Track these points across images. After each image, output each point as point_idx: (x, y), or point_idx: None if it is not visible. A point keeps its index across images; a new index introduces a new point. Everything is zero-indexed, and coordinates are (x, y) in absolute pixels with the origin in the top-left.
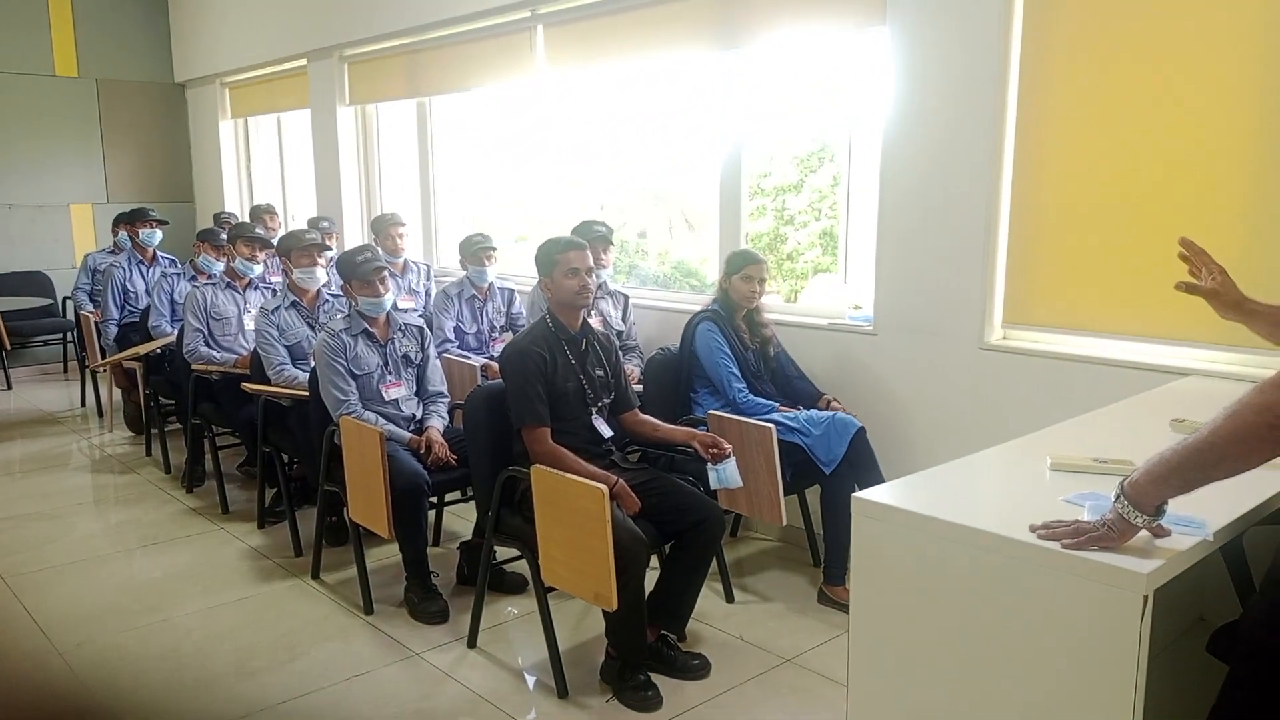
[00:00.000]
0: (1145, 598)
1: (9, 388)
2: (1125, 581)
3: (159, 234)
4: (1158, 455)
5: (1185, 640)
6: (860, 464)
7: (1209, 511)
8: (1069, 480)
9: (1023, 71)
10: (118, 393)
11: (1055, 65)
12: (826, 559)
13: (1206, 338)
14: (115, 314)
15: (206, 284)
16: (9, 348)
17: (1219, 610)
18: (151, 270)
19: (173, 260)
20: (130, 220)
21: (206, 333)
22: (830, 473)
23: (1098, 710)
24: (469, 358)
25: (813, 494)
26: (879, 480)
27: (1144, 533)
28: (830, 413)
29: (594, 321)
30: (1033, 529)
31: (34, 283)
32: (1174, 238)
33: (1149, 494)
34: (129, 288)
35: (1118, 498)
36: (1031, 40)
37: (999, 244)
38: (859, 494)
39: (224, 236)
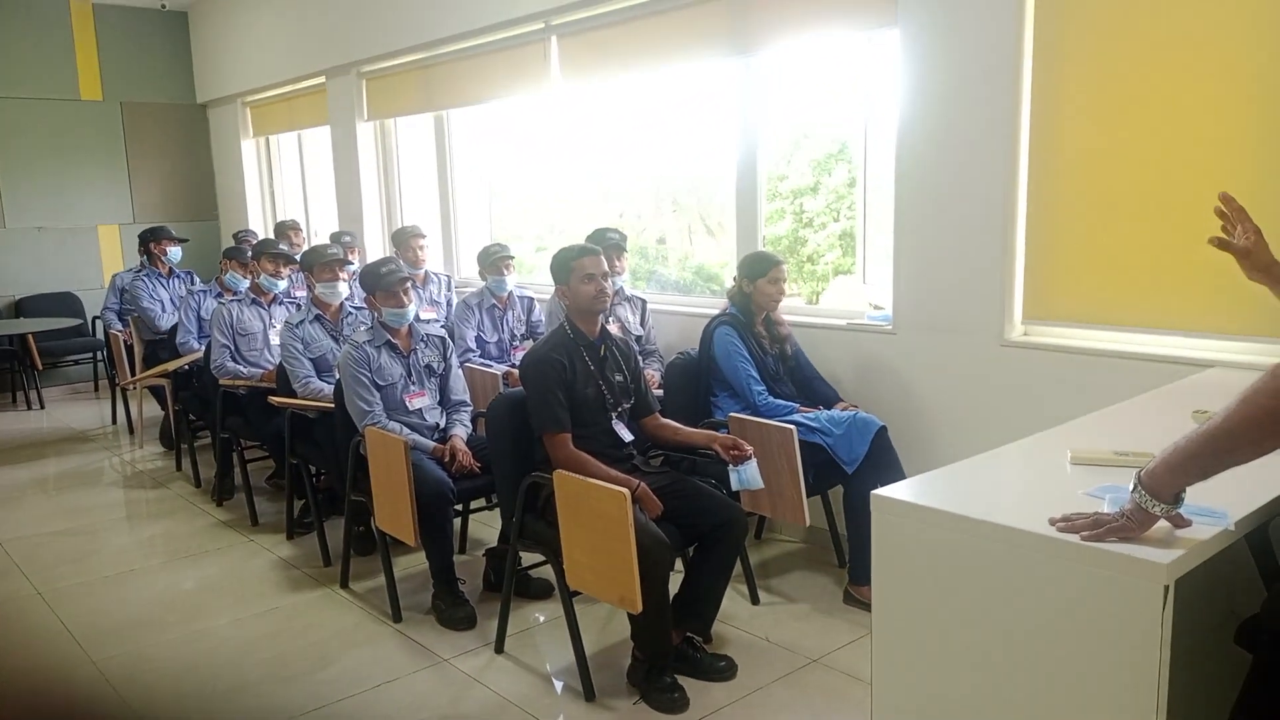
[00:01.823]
0: (1166, 588)
1: (41, 407)
2: (1146, 572)
3: (178, 250)
4: (1173, 444)
5: (1216, 634)
6: (882, 463)
7: (1231, 502)
8: (1090, 474)
9: (1036, 66)
10: (148, 410)
11: (1069, 59)
12: (851, 559)
13: (1229, 329)
14: (160, 314)
15: (232, 300)
16: (41, 368)
17: (1250, 604)
18: (171, 282)
19: (190, 275)
20: (151, 239)
21: (233, 348)
22: (852, 472)
23: (1122, 703)
24: (490, 366)
25: (835, 495)
26: (901, 479)
27: (1164, 523)
28: (851, 412)
29: (613, 327)
30: (1052, 522)
31: (64, 303)
32: (1192, 230)
33: (1166, 483)
34: (156, 297)
35: (1135, 488)
36: (1044, 35)
37: (1017, 240)
38: (878, 491)
39: (250, 254)
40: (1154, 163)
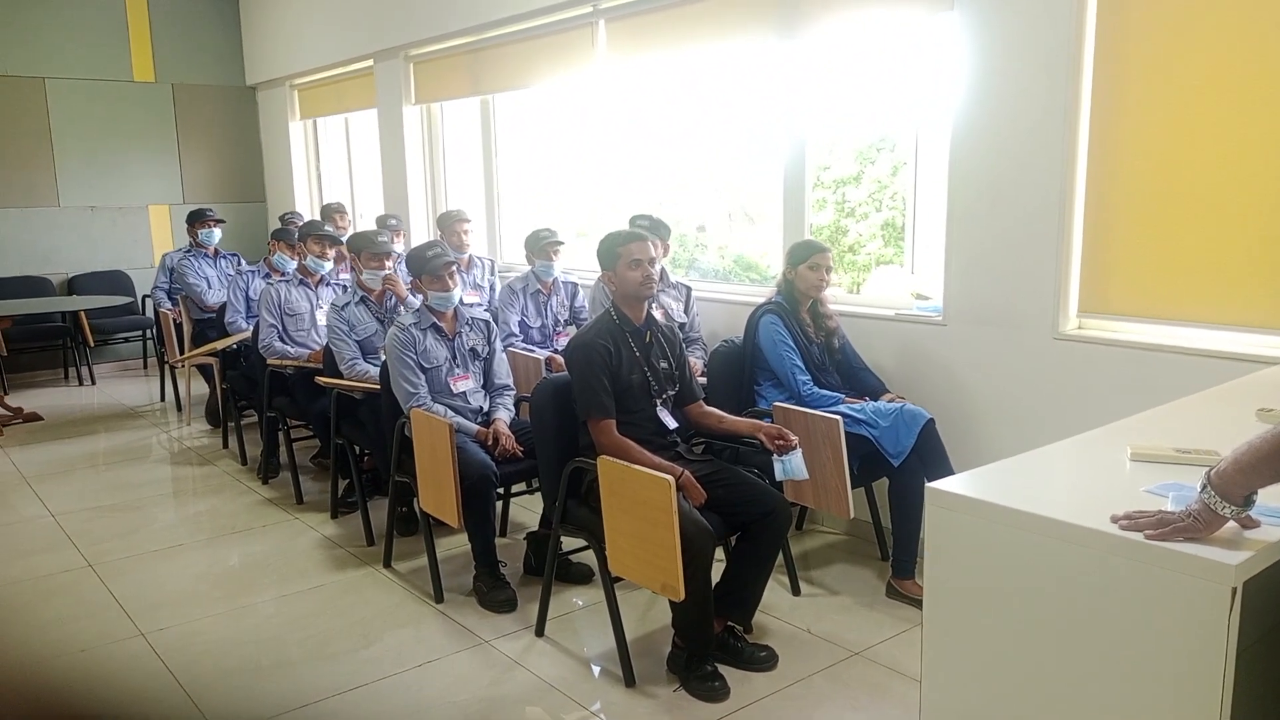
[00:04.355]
0: (1234, 590)
1: (93, 383)
2: (1213, 573)
3: (217, 232)
4: (1246, 444)
5: (1274, 636)
6: (929, 456)
7: None
8: (1150, 471)
9: (1098, 53)
10: (195, 387)
11: (1132, 46)
12: (895, 552)
13: None
14: (206, 291)
15: (280, 281)
16: (93, 344)
17: None
18: (218, 262)
19: (236, 256)
20: (191, 221)
21: (281, 328)
22: (899, 465)
23: (1184, 708)
24: (533, 351)
25: (880, 487)
26: (949, 473)
27: (1231, 523)
28: (898, 404)
29: (656, 314)
30: (1114, 519)
31: (115, 282)
32: (1256, 223)
33: (1237, 484)
34: (201, 274)
35: (1204, 488)
36: (1107, 20)
37: (1074, 231)
38: (934, 484)
39: (296, 235)
40: (1217, 155)
